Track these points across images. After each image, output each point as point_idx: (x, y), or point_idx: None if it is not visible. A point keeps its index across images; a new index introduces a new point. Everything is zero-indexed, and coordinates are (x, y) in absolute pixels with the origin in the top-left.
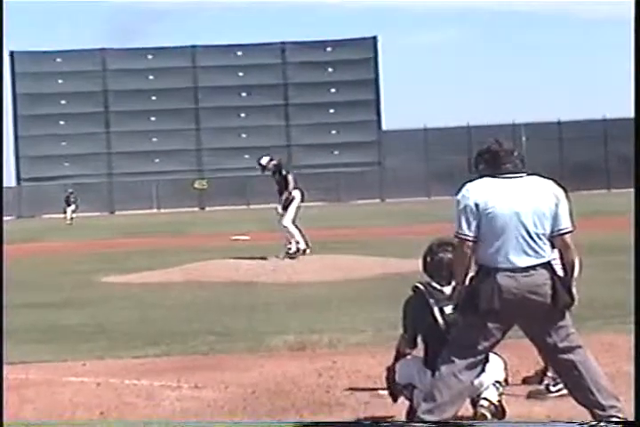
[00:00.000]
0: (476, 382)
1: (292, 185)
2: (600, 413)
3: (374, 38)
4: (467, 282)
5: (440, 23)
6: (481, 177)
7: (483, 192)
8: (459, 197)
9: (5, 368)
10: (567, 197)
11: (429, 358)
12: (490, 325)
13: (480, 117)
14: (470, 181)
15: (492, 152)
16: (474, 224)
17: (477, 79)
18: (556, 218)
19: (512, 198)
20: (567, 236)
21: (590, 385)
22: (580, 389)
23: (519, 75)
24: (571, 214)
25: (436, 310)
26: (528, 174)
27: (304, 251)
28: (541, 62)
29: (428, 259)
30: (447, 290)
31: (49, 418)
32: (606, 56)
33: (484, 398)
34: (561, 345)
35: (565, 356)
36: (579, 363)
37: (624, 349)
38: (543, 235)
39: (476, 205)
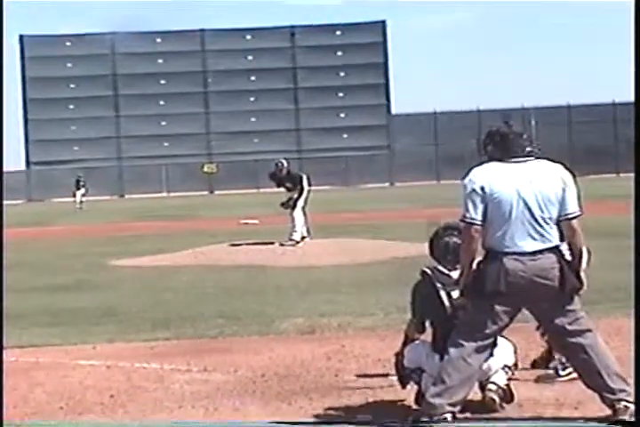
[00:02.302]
0: (485, 366)
1: (305, 184)
2: (609, 396)
3: (383, 22)
4: (474, 266)
5: (450, 7)
6: (489, 159)
7: (489, 177)
8: (465, 181)
9: (16, 351)
10: (575, 181)
11: (437, 342)
12: (497, 308)
13: (489, 101)
14: (478, 165)
15: (502, 134)
16: (480, 208)
17: (487, 63)
18: (563, 202)
19: (519, 183)
20: (574, 220)
21: (600, 369)
22: (589, 372)
23: (529, 58)
24: (579, 198)
25: (443, 294)
26: (537, 158)
27: (303, 238)
28: (551, 46)
29: (435, 243)
30: (454, 274)
31: (59, 401)
32: (617, 40)
33: (493, 383)
34: (570, 328)
35: (574, 339)
36: (588, 347)
37: (632, 332)
38: (550, 219)
39: (483, 190)
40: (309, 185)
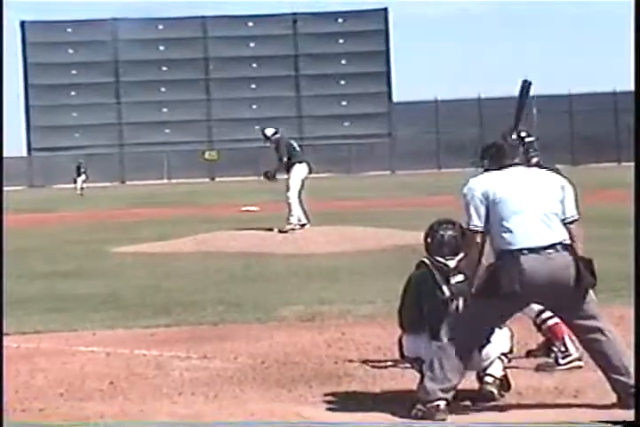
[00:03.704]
0: (482, 353)
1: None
2: (625, 391)
3: (385, 10)
4: (485, 269)
5: None
6: (486, 171)
7: (488, 182)
8: (464, 190)
9: (17, 338)
10: (574, 188)
11: (435, 330)
12: (508, 306)
13: (491, 89)
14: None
15: (498, 147)
16: (484, 215)
17: (488, 51)
18: (562, 205)
19: (521, 183)
20: (573, 225)
21: (617, 364)
22: (608, 368)
23: (529, 47)
24: (577, 204)
25: (439, 278)
26: (541, 167)
27: (303, 225)
28: (552, 34)
29: (429, 239)
30: (452, 263)
31: (59, 387)
32: (618, 28)
33: (489, 375)
34: (586, 324)
35: (592, 336)
36: (605, 343)
37: (632, 321)
38: (556, 215)
39: (484, 195)
40: (310, 171)
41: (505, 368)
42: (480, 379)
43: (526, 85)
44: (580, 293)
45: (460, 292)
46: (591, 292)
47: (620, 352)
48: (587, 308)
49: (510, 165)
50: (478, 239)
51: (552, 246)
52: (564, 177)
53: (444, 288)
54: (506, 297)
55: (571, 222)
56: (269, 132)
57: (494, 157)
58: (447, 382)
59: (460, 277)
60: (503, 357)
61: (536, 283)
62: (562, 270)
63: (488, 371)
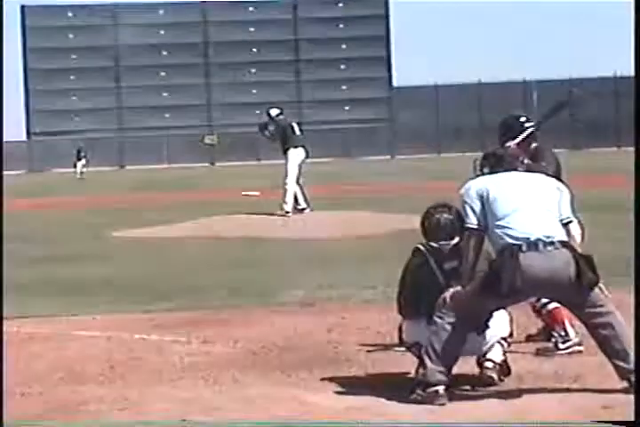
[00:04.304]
0: (481, 337)
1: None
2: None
3: None
4: (479, 267)
5: None
6: None
7: (485, 182)
8: (462, 191)
9: (16, 322)
10: (570, 191)
11: (431, 316)
12: (507, 301)
13: (491, 74)
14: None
15: (498, 156)
16: (480, 213)
17: (489, 36)
18: (559, 206)
19: (518, 183)
20: (569, 225)
21: (623, 353)
22: (615, 356)
23: (530, 32)
24: (572, 206)
25: (433, 263)
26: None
27: (302, 210)
28: (552, 19)
29: (426, 222)
30: (446, 248)
31: (59, 372)
32: (618, 13)
33: (489, 360)
34: (591, 321)
35: (600, 330)
36: (613, 337)
37: (633, 307)
38: (554, 211)
39: (479, 194)
40: (307, 156)
41: (505, 353)
42: (480, 364)
43: (562, 105)
44: (581, 289)
45: (454, 277)
46: (597, 290)
47: (626, 343)
48: (591, 300)
49: (508, 170)
50: (474, 240)
51: (551, 243)
52: (560, 165)
53: (438, 274)
54: (507, 294)
55: (566, 224)
56: (274, 112)
57: (494, 167)
58: (444, 364)
59: (454, 263)
60: (503, 341)
61: (537, 279)
62: (562, 267)
63: (488, 356)
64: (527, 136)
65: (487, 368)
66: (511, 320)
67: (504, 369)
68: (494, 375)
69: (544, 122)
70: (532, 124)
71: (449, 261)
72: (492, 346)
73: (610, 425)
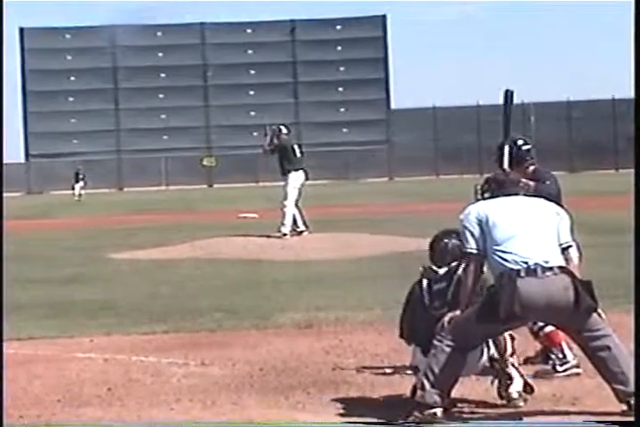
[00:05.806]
0: (477, 358)
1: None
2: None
3: (384, 17)
4: (478, 292)
5: (450, 2)
6: None
7: (485, 207)
8: (461, 216)
9: (14, 344)
10: (570, 216)
11: (423, 338)
12: (505, 327)
13: (489, 97)
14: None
15: (498, 181)
16: (479, 238)
17: (487, 58)
18: (558, 231)
19: (517, 208)
20: (568, 250)
21: (622, 376)
22: (614, 379)
23: (529, 54)
24: (572, 231)
25: (424, 284)
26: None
27: (301, 232)
28: (551, 42)
29: (434, 246)
30: (441, 271)
31: (57, 394)
32: (617, 36)
33: (515, 392)
34: (590, 345)
35: (598, 354)
36: (610, 359)
37: (631, 329)
38: (553, 236)
39: (479, 219)
40: (306, 179)
41: (522, 374)
42: (503, 396)
43: (509, 95)
44: (579, 314)
45: (441, 297)
46: (595, 316)
47: (624, 366)
48: (589, 324)
49: (509, 195)
50: (473, 265)
51: (550, 269)
52: (559, 188)
53: (425, 294)
54: (505, 320)
55: (565, 249)
56: (283, 130)
57: (495, 192)
58: (442, 386)
59: (442, 284)
60: (514, 362)
61: (535, 305)
62: (560, 293)
63: (510, 390)
64: (525, 159)
65: (514, 399)
66: (512, 339)
67: (527, 389)
68: (521, 404)
69: (508, 118)
70: (530, 146)
71: (439, 283)
72: (512, 378)
73: (610, 425)
